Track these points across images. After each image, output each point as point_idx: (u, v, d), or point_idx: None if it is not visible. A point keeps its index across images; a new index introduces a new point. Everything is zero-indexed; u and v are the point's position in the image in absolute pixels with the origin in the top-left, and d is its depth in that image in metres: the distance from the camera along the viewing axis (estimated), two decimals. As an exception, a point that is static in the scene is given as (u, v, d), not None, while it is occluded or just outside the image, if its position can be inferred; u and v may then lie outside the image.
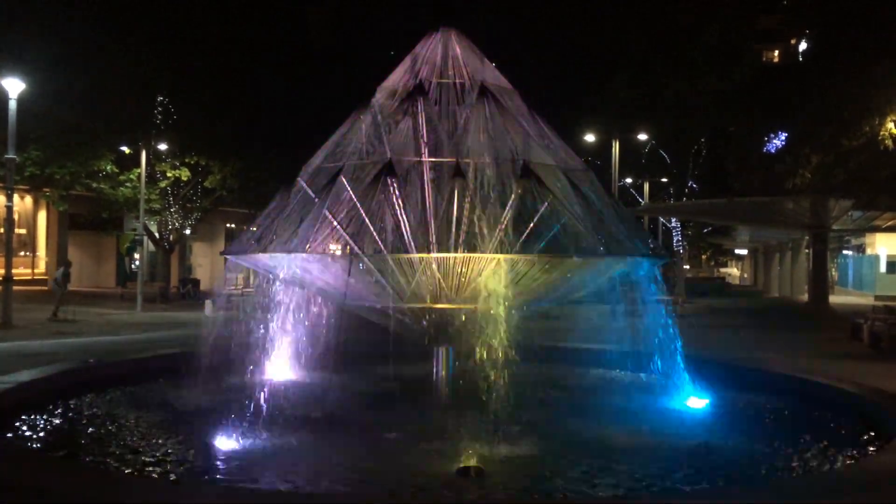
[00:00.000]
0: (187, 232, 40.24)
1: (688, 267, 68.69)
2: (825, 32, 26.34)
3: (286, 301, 11.21)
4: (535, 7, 50.42)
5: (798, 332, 23.17)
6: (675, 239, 60.27)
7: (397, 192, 8.90)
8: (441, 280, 9.04)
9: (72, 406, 9.83)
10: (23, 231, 38.10)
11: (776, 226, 41.00)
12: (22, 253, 37.78)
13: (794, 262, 47.55)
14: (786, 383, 11.41)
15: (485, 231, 9.06)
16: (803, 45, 40.57)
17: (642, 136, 48.72)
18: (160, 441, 8.22)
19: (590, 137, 44.13)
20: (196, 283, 39.59)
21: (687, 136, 49.54)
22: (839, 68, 22.44)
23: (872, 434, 8.68)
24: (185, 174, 35.64)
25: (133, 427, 8.84)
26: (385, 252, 9.24)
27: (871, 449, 8.10)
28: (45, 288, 37.29)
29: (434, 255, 8.92)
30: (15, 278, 23.53)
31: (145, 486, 6.42)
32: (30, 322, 22.00)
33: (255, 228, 10.29)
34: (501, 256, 8.81)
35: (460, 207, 9.05)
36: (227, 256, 11.41)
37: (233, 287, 30.85)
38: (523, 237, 9.32)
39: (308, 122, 33.38)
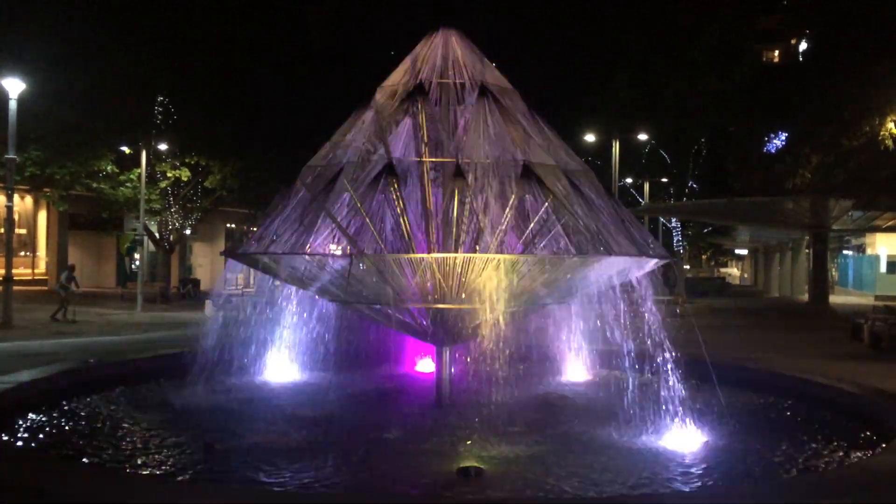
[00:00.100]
0: (187, 232, 40.23)
1: (688, 267, 68.73)
2: (825, 32, 26.35)
3: (286, 301, 11.23)
4: (535, 7, 50.43)
5: (798, 332, 23.18)
6: (675, 239, 60.33)
7: (397, 193, 8.90)
8: (441, 280, 9.04)
9: (72, 406, 9.83)
10: (23, 231, 38.10)
11: (776, 226, 41.01)
12: (22, 253, 37.78)
13: (795, 262, 47.55)
14: (786, 383, 11.42)
15: (485, 231, 9.06)
16: (803, 46, 40.56)
17: (642, 136, 48.74)
18: (160, 441, 8.23)
19: (590, 137, 44.14)
20: (196, 283, 39.58)
21: (687, 136, 49.58)
22: (839, 68, 22.45)
23: (872, 434, 8.68)
24: (185, 174, 35.63)
25: (133, 427, 8.84)
26: (385, 252, 9.24)
27: (872, 449, 8.10)
28: (46, 288, 37.34)
29: (434, 255, 8.92)
30: (15, 278, 23.53)
31: (145, 486, 6.43)
32: (30, 322, 22.00)
33: (255, 229, 10.29)
34: (501, 257, 8.82)
35: (460, 208, 9.05)
36: (227, 257, 11.41)
37: (233, 287, 30.86)
38: (523, 237, 9.32)
39: (308, 122, 33.41)
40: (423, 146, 9.48)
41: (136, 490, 6.09)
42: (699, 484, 7.03)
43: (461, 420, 8.93)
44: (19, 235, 36.36)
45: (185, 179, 36.06)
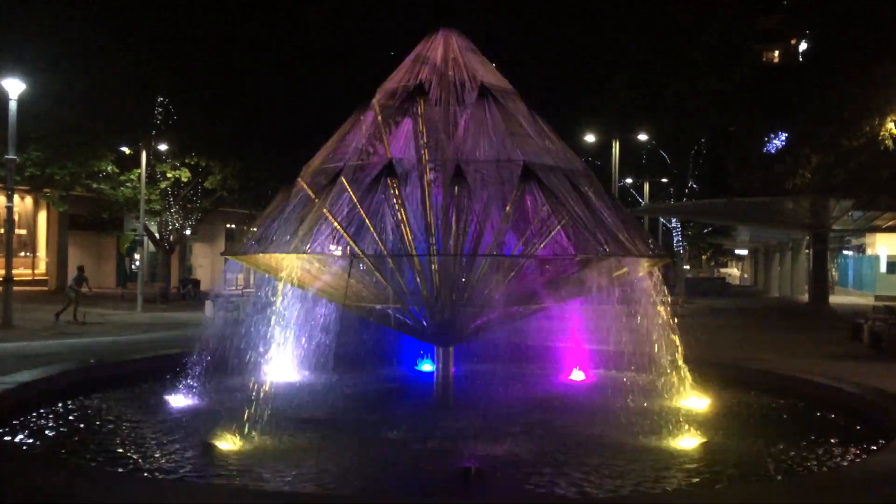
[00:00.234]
0: (187, 232, 40.25)
1: (688, 267, 68.69)
2: (825, 32, 26.34)
3: (286, 302, 11.21)
4: (535, 7, 50.38)
5: (798, 332, 23.17)
6: (675, 239, 60.26)
7: (397, 193, 8.90)
8: (441, 281, 9.04)
9: (72, 407, 9.83)
10: (23, 232, 38.11)
11: (776, 226, 41.02)
12: (22, 253, 37.80)
13: (795, 262, 47.55)
14: (786, 383, 11.42)
15: (485, 232, 9.06)
16: (803, 46, 40.55)
17: (642, 137, 48.71)
18: (160, 442, 8.23)
19: (590, 137, 44.12)
20: (196, 283, 39.60)
21: (687, 136, 49.54)
22: (839, 68, 22.46)
23: (872, 434, 8.68)
24: (185, 175, 35.65)
25: (133, 428, 8.84)
26: (385, 253, 9.24)
27: (871, 449, 8.10)
28: (46, 288, 37.36)
29: (434, 255, 8.92)
30: (15, 279, 23.54)
31: (145, 486, 6.42)
32: (30, 322, 22.01)
33: (255, 229, 10.28)
34: (501, 257, 8.82)
35: (460, 208, 9.04)
36: (227, 257, 11.41)
37: (233, 287, 30.90)
38: (523, 238, 9.32)
39: (308, 122, 33.39)
40: (423, 146, 9.48)
41: (136, 490, 6.09)
42: (699, 484, 7.02)
43: (461, 420, 8.94)
44: (19, 236, 36.38)
45: (185, 180, 36.07)
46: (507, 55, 32.40)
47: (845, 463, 7.75)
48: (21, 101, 22.13)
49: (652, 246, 10.13)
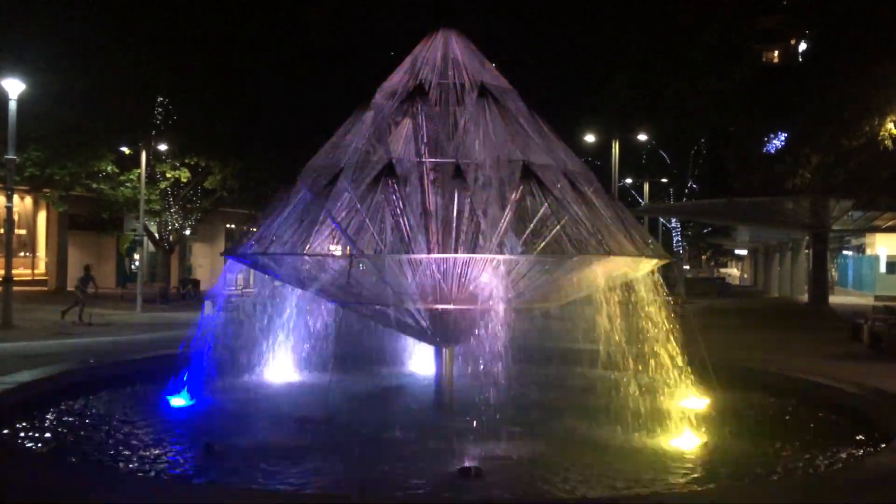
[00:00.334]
0: (187, 232, 40.25)
1: (688, 267, 68.73)
2: (825, 32, 26.36)
3: (286, 302, 11.22)
4: (535, 7, 50.42)
5: (798, 332, 23.16)
6: (675, 239, 60.33)
7: (397, 193, 8.90)
8: (441, 281, 9.03)
9: (72, 407, 9.83)
10: (23, 232, 38.11)
11: (776, 226, 41.05)
12: (22, 253, 37.79)
13: (794, 262, 47.57)
14: (785, 383, 11.42)
15: (485, 232, 9.05)
16: (803, 46, 40.57)
17: (642, 137, 48.74)
18: (160, 442, 8.23)
19: (590, 137, 44.14)
20: (196, 283, 39.60)
21: (687, 136, 49.62)
22: (839, 68, 22.46)
23: (872, 434, 8.68)
24: (184, 175, 35.65)
25: (132, 428, 8.84)
26: (385, 253, 9.24)
27: (871, 449, 8.11)
28: (45, 288, 37.35)
29: (434, 256, 8.92)
30: (15, 279, 23.53)
31: (145, 486, 6.43)
32: (30, 322, 22.00)
33: (255, 229, 10.28)
34: (501, 257, 8.81)
35: (460, 208, 9.04)
36: (227, 257, 11.40)
37: (232, 287, 30.85)
38: (523, 238, 9.32)
39: (308, 122, 33.40)
40: (423, 147, 9.48)
41: (136, 490, 6.09)
42: (699, 484, 7.03)
43: (461, 420, 8.94)
44: (19, 236, 36.38)
45: (185, 180, 36.07)
46: (507, 55, 32.44)
47: (845, 463, 7.74)
48: (21, 101, 22.12)
49: (652, 246, 10.12)
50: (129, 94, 30.48)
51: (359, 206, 8.96)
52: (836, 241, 44.92)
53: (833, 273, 49.17)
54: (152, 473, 7.19)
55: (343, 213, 9.27)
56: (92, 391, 10.53)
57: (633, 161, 53.39)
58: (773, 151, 34.07)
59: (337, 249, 9.86)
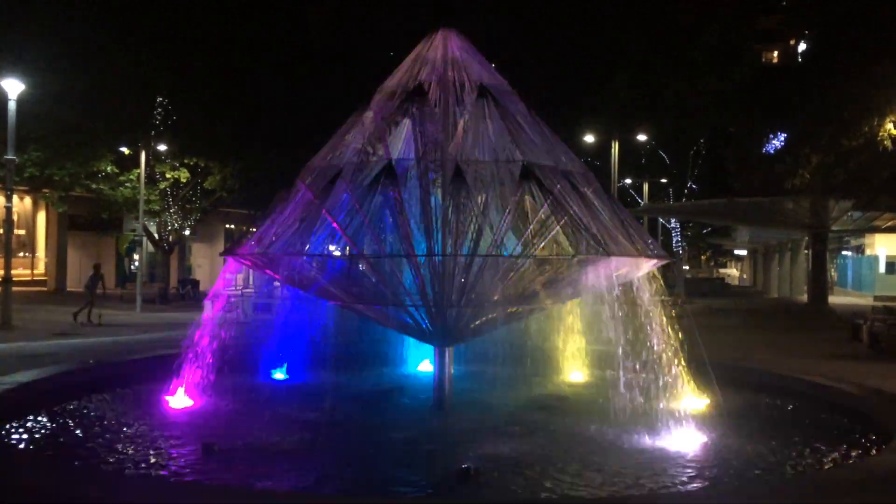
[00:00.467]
0: (186, 233, 40.24)
1: (687, 268, 68.70)
2: (825, 32, 26.35)
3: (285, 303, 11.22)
4: (535, 7, 50.37)
5: (797, 332, 23.17)
6: (674, 239, 60.31)
7: (397, 194, 8.90)
8: (441, 281, 9.03)
9: (71, 407, 9.82)
10: (22, 232, 38.10)
11: (776, 226, 41.03)
12: (21, 254, 37.78)
13: (794, 262, 47.57)
14: (785, 384, 11.42)
15: (485, 232, 9.06)
16: (803, 46, 40.57)
17: (642, 137, 48.73)
18: (159, 442, 8.22)
19: (590, 137, 44.13)
20: (195, 283, 39.61)
21: (687, 136, 49.58)
22: (839, 68, 22.46)
23: (872, 434, 8.68)
24: (184, 175, 35.64)
25: (132, 428, 8.83)
26: (384, 253, 9.24)
27: (871, 449, 8.10)
28: (45, 289, 37.34)
29: (434, 256, 8.92)
30: (14, 279, 23.53)
31: (145, 486, 6.42)
32: (29, 323, 22.01)
33: (255, 230, 10.28)
34: (501, 258, 8.81)
35: (460, 209, 9.04)
36: (227, 257, 11.40)
37: (232, 288, 30.84)
38: (523, 238, 9.32)
39: (308, 122, 33.43)
40: (423, 147, 9.48)
41: (136, 490, 6.08)
42: (699, 484, 7.03)
43: (460, 420, 8.94)
44: (18, 236, 36.37)
45: (185, 180, 36.06)
46: (507, 55, 32.44)
47: (845, 463, 7.74)
48: (21, 102, 22.12)
49: (651, 246, 10.12)
50: (129, 94, 30.48)
51: (358, 206, 8.96)
52: (835, 241, 44.93)
53: (832, 273, 49.17)
54: (151, 474, 7.18)
55: (343, 214, 9.27)
56: (91, 391, 10.51)
57: (632, 161, 53.37)
58: (772, 152, 34.07)
59: (336, 250, 9.87)
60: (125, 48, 30.08)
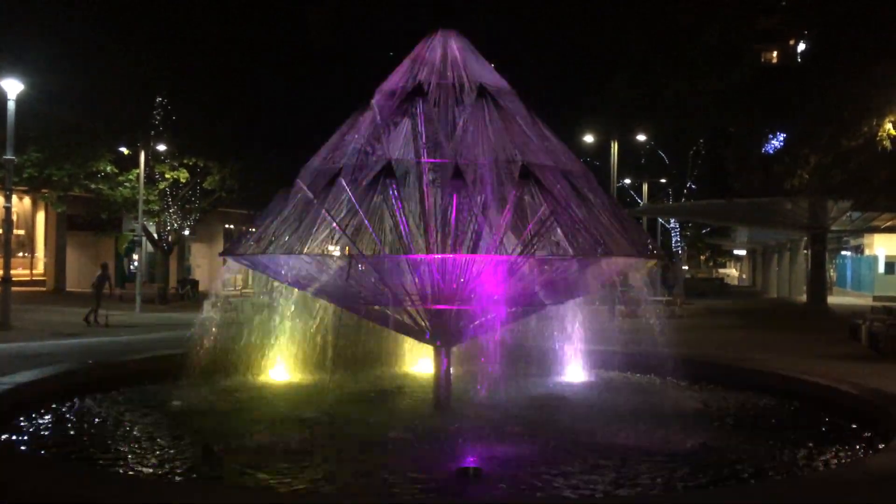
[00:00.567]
0: (186, 233, 40.22)
1: (686, 268, 68.67)
2: (825, 32, 26.31)
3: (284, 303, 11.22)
4: (535, 7, 50.41)
5: (797, 332, 23.15)
6: (673, 240, 60.30)
7: (396, 194, 8.90)
8: (440, 281, 9.03)
9: (70, 407, 9.82)
10: (21, 232, 38.07)
11: (775, 226, 41.04)
12: (20, 254, 37.76)
13: (793, 262, 47.57)
14: (784, 384, 11.42)
15: (484, 232, 9.06)
16: (803, 46, 40.54)
17: (641, 137, 48.73)
18: (159, 442, 8.22)
19: (589, 138, 44.14)
20: (195, 283, 39.58)
21: (687, 137, 49.54)
22: (839, 68, 22.43)
23: (872, 434, 8.68)
24: (183, 175, 35.62)
25: (132, 428, 8.84)
26: (384, 253, 9.24)
27: (871, 449, 8.11)
28: (44, 289, 37.31)
29: (433, 256, 8.92)
30: (13, 279, 23.51)
31: (144, 487, 6.42)
32: (28, 323, 21.99)
33: (254, 230, 10.28)
34: (500, 258, 8.81)
35: (459, 209, 9.04)
36: (226, 257, 11.40)
37: (231, 288, 30.86)
38: (522, 238, 9.32)
39: (308, 122, 33.52)
40: (422, 147, 9.48)
41: (135, 491, 6.08)
42: (698, 484, 7.03)
43: (460, 420, 8.94)
44: (17, 236, 36.34)
45: (184, 181, 36.05)
46: (507, 55, 32.51)
47: (844, 463, 7.74)
48: (20, 101, 22.09)
49: (650, 246, 10.12)
50: (128, 94, 30.47)
51: (358, 206, 8.96)
52: (834, 241, 44.92)
53: (831, 273, 49.16)
54: (151, 474, 7.18)
55: (342, 214, 9.27)
56: (91, 391, 10.51)
57: (632, 161, 53.39)
58: (771, 152, 34.05)
59: (336, 250, 9.86)
60: (125, 48, 30.07)
